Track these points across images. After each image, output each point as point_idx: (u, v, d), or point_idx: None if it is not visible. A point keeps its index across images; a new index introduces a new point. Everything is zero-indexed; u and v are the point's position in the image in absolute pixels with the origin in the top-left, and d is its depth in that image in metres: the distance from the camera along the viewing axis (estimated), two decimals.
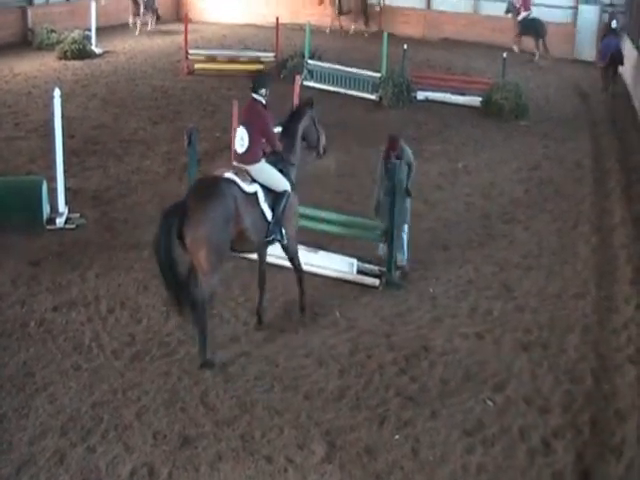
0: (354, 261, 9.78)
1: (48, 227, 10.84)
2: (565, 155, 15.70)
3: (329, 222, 10.12)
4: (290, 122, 8.63)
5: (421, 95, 19.35)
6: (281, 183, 8.19)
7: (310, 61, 20.55)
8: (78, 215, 11.26)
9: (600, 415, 7.28)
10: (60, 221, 10.94)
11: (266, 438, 6.73)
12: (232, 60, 21.83)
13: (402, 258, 9.91)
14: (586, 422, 7.15)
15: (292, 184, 8.36)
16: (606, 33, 22.07)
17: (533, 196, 13.27)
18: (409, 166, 9.86)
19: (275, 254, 9.90)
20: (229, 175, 7.90)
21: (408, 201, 9.97)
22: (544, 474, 6.50)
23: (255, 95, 8.21)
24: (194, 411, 7.04)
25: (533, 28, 25.17)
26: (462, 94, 19.46)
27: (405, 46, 19.75)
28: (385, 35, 19.54)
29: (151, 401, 7.15)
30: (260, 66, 21.62)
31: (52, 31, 23.95)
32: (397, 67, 19.52)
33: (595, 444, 6.87)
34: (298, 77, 15.84)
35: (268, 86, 8.29)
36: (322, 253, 9.94)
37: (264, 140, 8.19)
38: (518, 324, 8.91)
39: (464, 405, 7.33)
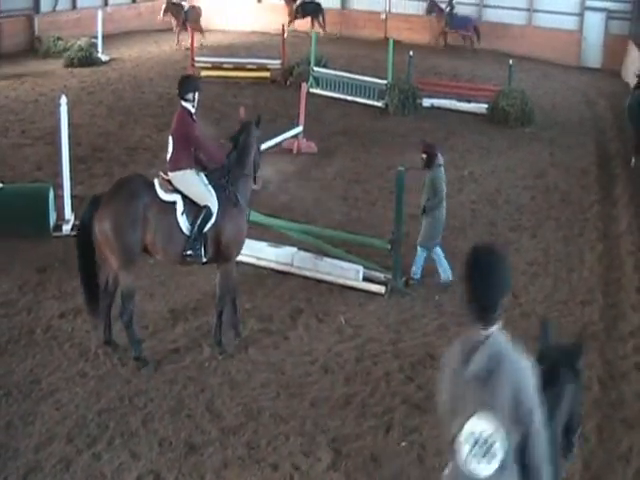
0: (360, 268, 9.78)
1: (54, 234, 10.87)
2: (571, 162, 15.68)
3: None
4: (239, 136, 8.19)
5: (427, 102, 19.35)
6: (203, 197, 7.77)
7: (316, 68, 20.56)
8: None
9: (607, 423, 7.26)
10: (66, 228, 10.97)
11: (272, 445, 6.73)
12: (238, 67, 21.87)
13: (446, 275, 9.75)
14: (593, 430, 7.12)
15: (236, 200, 7.93)
16: (450, 14, 27.99)
17: (539, 203, 13.24)
18: (435, 190, 9.63)
19: (280, 261, 9.96)
20: (154, 180, 7.85)
21: (438, 219, 9.78)
22: None
23: (183, 102, 7.95)
24: (200, 418, 7.05)
25: (310, 10, 29.27)
26: (468, 101, 19.46)
27: (411, 53, 19.76)
28: (391, 42, 19.54)
29: (157, 408, 7.15)
30: (266, 73, 21.68)
31: (59, 39, 24.07)
32: (403, 74, 19.51)
33: (602, 452, 6.85)
34: (304, 85, 15.88)
35: (195, 89, 7.95)
36: (328, 260, 9.95)
37: (195, 150, 7.93)
38: (524, 331, 8.87)
39: None
